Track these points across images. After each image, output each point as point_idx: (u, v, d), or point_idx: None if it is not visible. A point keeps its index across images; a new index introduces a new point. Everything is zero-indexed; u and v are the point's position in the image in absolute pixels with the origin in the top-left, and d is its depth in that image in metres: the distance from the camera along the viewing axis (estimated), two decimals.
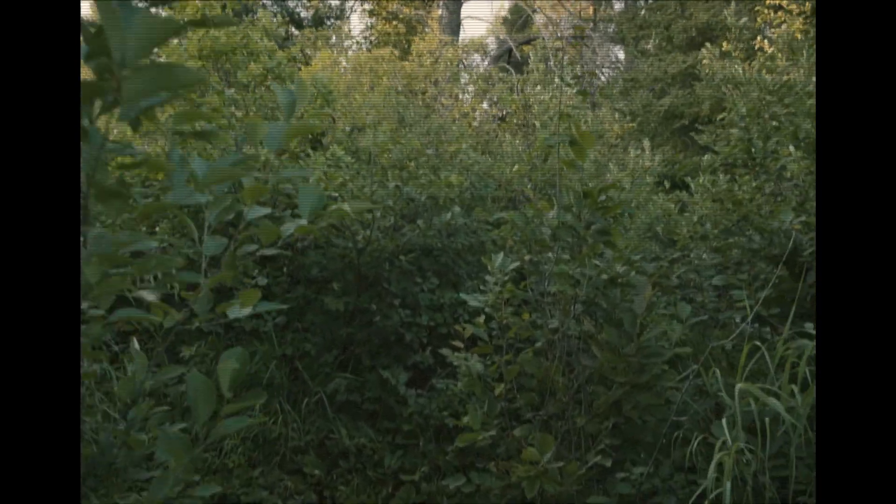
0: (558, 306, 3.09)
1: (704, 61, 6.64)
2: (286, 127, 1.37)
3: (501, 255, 3.58)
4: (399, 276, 4.77)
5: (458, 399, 4.16)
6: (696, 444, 2.63)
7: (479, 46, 16.20)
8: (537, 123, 6.79)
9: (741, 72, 5.15)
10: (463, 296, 3.63)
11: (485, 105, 12.22)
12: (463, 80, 11.18)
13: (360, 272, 4.76)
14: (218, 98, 4.96)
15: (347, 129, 6.78)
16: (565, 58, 11.67)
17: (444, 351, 3.67)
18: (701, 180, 4.69)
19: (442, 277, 5.05)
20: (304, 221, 1.45)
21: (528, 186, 5.46)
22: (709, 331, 3.69)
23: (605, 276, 3.00)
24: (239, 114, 5.54)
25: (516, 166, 5.49)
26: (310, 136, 6.76)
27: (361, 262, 4.73)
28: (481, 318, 3.53)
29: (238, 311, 1.58)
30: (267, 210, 1.58)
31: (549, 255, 3.44)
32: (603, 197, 3.04)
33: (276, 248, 1.61)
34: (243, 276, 4.43)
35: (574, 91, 3.65)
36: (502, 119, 11.08)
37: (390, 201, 4.59)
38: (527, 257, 3.26)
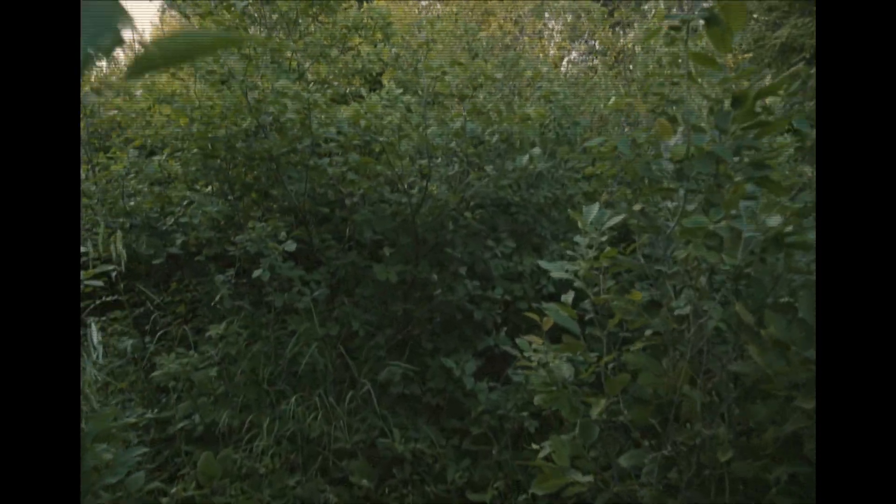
0: (687, 281, 2.02)
1: None
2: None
3: (597, 205, 2.53)
4: (465, 237, 3.78)
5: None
6: None
7: None
8: (637, 48, 5.54)
9: None
10: (543, 263, 2.61)
11: (573, 54, 10.87)
12: (546, 16, 9.90)
13: (418, 234, 3.80)
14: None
15: (411, 67, 5.78)
16: None
17: (524, 339, 2.67)
18: None
19: (520, 239, 4.03)
20: None
21: (643, 103, 4.32)
22: None
23: (762, 235, 1.91)
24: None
25: (613, 98, 4.34)
26: (368, 77, 5.80)
27: (418, 220, 3.77)
28: (569, 297, 2.51)
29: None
30: None
31: (670, 203, 2.37)
32: (758, 109, 1.93)
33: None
34: (272, 237, 3.57)
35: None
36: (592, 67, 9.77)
37: (453, 143, 3.58)
38: (636, 207, 2.20)
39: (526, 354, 2.36)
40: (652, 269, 2.18)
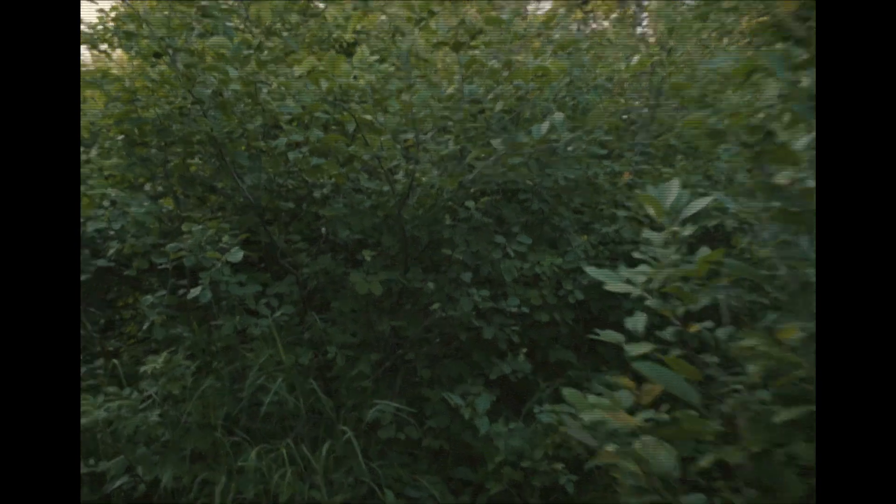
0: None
1: None
2: None
3: (676, 184, 1.70)
4: (467, 233, 2.94)
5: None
6: None
7: None
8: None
9: None
10: (593, 271, 1.78)
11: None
12: None
13: (406, 231, 2.95)
14: None
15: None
16: None
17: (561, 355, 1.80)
18: None
19: (534, 233, 3.20)
20: None
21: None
22: None
23: None
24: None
25: (636, 56, 3.50)
26: (337, 47, 4.91)
27: (406, 214, 2.92)
28: (639, 321, 1.69)
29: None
30: None
31: (789, 171, 1.54)
32: None
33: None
34: (213, 243, 2.70)
35: None
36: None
37: (446, 111, 2.73)
38: (783, 176, 1.37)
39: (583, 417, 1.52)
40: (791, 280, 1.34)
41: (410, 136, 2.72)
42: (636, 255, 1.71)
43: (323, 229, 3.57)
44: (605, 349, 3.33)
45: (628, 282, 1.71)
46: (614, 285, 1.72)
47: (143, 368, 3.04)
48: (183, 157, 3.35)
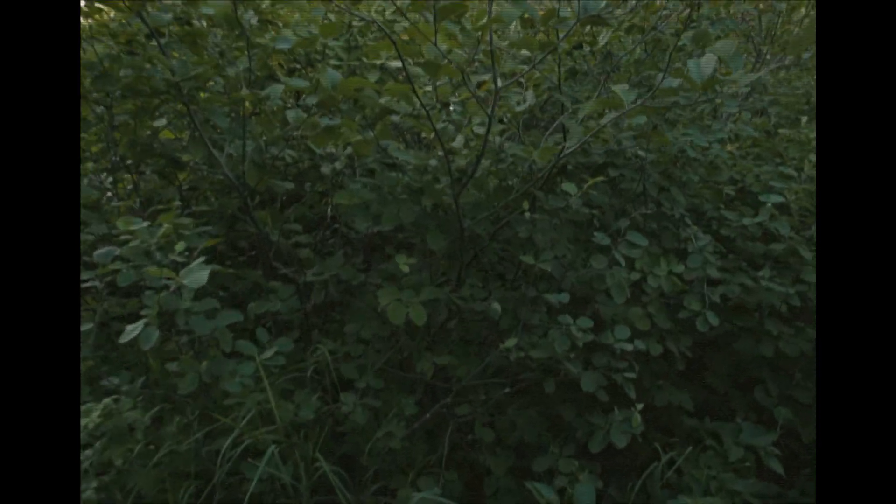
0: None
1: None
2: None
3: None
4: (553, 230, 1.95)
5: None
6: None
7: None
8: None
9: None
10: None
11: None
12: None
13: (463, 227, 1.97)
14: None
15: None
16: None
17: None
18: None
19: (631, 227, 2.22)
20: None
21: None
22: None
23: None
24: None
25: None
26: None
27: (465, 201, 1.93)
28: None
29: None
30: None
31: None
32: None
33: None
34: (163, 249, 1.71)
35: None
36: None
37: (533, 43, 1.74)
38: None
39: None
40: None
41: (485, 77, 1.73)
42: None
43: (332, 217, 2.59)
44: (734, 388, 2.39)
45: None
46: None
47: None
48: (135, 117, 2.34)
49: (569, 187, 1.84)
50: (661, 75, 1.71)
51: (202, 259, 1.70)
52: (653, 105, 1.70)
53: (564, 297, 1.84)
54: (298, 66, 2.53)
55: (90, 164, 2.68)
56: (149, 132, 2.46)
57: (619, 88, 1.70)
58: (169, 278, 1.60)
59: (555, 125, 1.95)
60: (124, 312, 2.17)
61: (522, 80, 2.00)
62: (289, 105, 2.22)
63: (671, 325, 2.13)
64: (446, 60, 1.64)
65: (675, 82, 1.70)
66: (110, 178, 2.62)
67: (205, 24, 2.20)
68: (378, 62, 2.36)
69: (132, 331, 1.57)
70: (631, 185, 2.21)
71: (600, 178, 1.93)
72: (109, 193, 2.66)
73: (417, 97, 1.72)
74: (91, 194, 2.27)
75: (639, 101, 1.67)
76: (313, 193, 2.54)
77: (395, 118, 2.12)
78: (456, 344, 2.12)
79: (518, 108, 1.92)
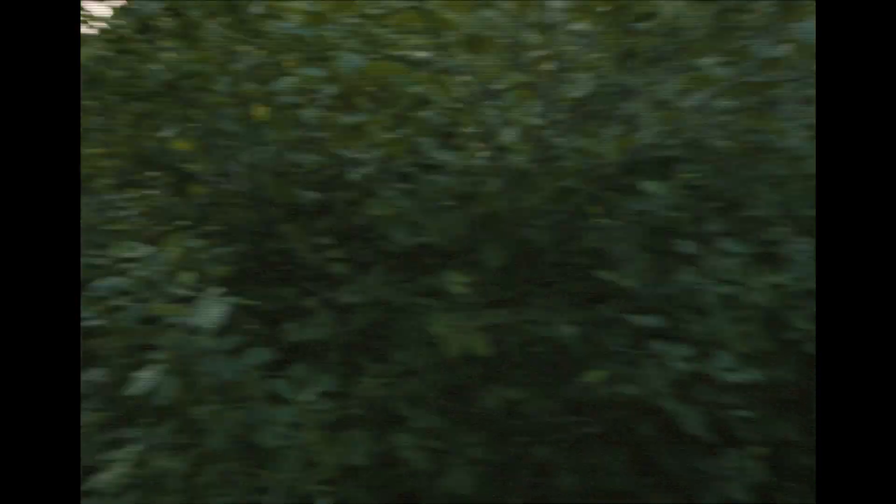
0: None
1: None
2: None
3: None
4: (631, 239, 1.61)
5: None
6: None
7: None
8: None
9: None
10: None
11: None
12: None
13: (521, 239, 1.63)
14: None
15: None
16: None
17: None
18: None
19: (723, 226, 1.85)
20: None
21: None
22: None
23: None
24: None
25: None
26: None
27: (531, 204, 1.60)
28: None
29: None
30: None
31: None
32: None
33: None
34: (165, 276, 1.42)
35: None
36: None
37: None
38: None
39: None
40: None
41: (545, 62, 1.38)
42: None
43: (365, 227, 2.28)
44: None
45: None
46: None
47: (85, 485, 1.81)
48: (135, 123, 2.05)
49: (652, 186, 1.49)
50: (756, 45, 1.34)
51: (216, 293, 1.41)
52: (755, 81, 1.34)
53: (657, 321, 1.50)
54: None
55: (95, 181, 2.41)
56: (155, 143, 2.17)
57: (707, 63, 1.34)
58: (178, 314, 1.31)
59: (620, 113, 1.59)
60: (130, 344, 1.91)
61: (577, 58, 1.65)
62: (302, 102, 1.90)
63: (773, 346, 1.77)
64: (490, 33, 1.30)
65: (779, 51, 1.33)
66: (113, 195, 2.35)
67: (199, 14, 1.88)
68: (399, 53, 2.02)
69: (145, 381, 1.29)
70: (712, 181, 1.84)
71: (689, 175, 1.57)
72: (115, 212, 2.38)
73: (447, 89, 1.38)
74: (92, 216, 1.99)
75: (735, 79, 1.31)
76: (342, 203, 2.23)
77: (426, 114, 1.78)
78: (526, 375, 1.80)
79: (573, 94, 1.57)
